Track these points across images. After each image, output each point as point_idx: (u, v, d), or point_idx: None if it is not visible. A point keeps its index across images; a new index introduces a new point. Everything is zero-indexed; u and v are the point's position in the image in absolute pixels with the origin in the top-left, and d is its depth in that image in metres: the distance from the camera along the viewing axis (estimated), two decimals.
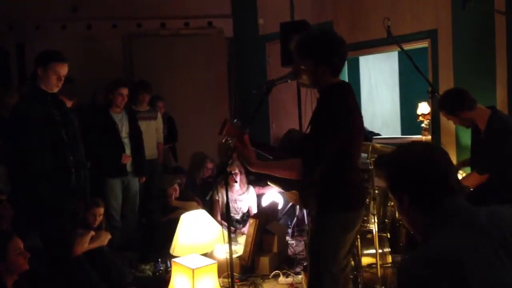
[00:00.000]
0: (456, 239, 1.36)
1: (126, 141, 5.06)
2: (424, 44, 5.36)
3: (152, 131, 5.66)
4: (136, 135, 5.20)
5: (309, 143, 2.43)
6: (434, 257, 1.33)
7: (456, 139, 5.06)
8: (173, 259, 3.43)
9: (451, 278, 1.27)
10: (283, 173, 2.45)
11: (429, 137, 5.21)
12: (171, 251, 3.64)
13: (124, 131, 5.06)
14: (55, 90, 3.41)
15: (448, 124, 4.95)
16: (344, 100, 2.44)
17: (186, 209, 4.34)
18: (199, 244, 3.59)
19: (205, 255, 3.55)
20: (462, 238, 1.36)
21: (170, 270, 3.68)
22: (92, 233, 4.04)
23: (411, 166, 1.54)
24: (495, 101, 4.65)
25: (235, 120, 2.59)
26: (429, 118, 5.32)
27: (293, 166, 2.39)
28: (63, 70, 3.37)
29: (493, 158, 3.45)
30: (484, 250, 1.33)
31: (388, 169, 1.63)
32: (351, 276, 3.27)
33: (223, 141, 2.53)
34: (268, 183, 2.80)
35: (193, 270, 3.13)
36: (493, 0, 4.63)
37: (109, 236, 4.22)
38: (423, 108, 5.40)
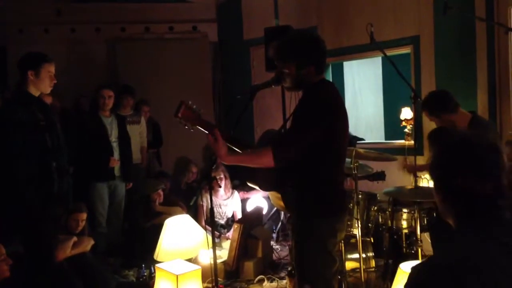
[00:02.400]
0: (480, 250, 1.24)
1: (114, 145, 5.05)
2: (406, 50, 5.42)
3: (136, 135, 5.64)
4: (125, 140, 5.19)
5: (285, 132, 2.42)
6: (450, 264, 1.21)
7: None
8: (157, 265, 3.40)
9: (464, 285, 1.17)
10: (256, 161, 2.41)
11: (412, 142, 5.26)
12: (155, 257, 3.62)
13: (113, 135, 5.05)
14: (49, 90, 3.45)
15: (430, 129, 5.00)
16: (327, 96, 2.43)
17: (170, 214, 4.32)
18: (183, 249, 3.57)
19: (189, 260, 3.53)
20: (485, 249, 1.24)
21: (154, 276, 3.65)
22: (74, 238, 3.99)
23: (475, 174, 1.25)
24: (476, 106, 4.71)
25: (193, 105, 2.55)
26: (412, 123, 5.37)
27: (266, 153, 2.34)
28: (53, 69, 3.41)
29: None
30: (507, 264, 1.22)
31: (443, 160, 1.31)
32: None
33: (179, 120, 2.50)
34: (248, 183, 2.78)
35: (177, 276, 3.11)
36: (473, 7, 4.71)
37: (92, 242, 4.17)
38: (406, 113, 5.45)
